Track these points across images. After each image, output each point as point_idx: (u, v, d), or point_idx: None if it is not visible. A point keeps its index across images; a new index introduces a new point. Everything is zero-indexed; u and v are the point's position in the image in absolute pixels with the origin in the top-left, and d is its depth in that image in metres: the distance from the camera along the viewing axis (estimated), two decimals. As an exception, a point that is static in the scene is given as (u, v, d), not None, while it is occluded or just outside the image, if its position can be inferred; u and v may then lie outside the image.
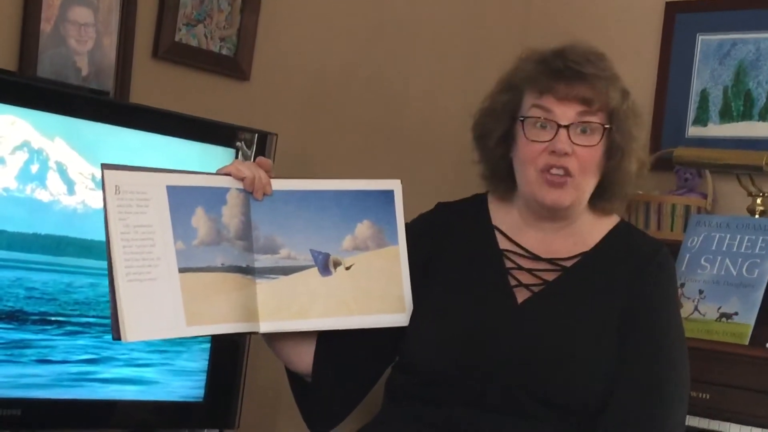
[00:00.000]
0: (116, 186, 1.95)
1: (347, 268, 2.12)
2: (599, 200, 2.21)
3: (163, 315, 1.96)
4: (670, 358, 2.12)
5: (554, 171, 2.12)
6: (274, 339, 2.17)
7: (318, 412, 2.22)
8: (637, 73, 3.42)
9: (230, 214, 2.06)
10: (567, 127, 2.11)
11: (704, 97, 3.37)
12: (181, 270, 1.99)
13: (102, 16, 2.81)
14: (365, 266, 2.14)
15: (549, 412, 2.05)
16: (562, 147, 2.10)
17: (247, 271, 2.06)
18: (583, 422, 2.07)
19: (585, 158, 2.12)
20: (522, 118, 2.15)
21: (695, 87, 3.39)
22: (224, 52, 3.09)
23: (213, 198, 2.04)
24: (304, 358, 2.19)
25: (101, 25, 2.81)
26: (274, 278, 2.08)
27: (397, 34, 3.53)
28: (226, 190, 2.06)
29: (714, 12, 3.37)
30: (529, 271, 2.18)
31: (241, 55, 3.12)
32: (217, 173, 2.09)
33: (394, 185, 2.20)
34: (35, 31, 2.69)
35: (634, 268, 2.17)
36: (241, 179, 2.08)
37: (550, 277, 2.17)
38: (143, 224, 1.97)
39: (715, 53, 3.36)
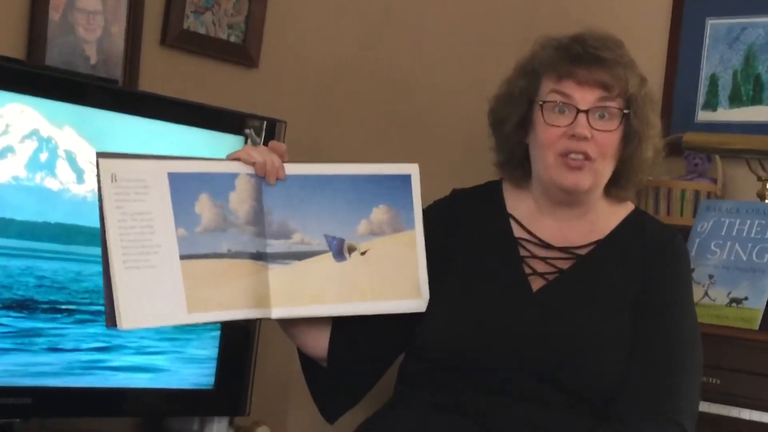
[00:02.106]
0: (113, 174, 1.93)
1: (362, 254, 2.10)
2: (614, 187, 2.22)
3: (163, 302, 1.94)
4: (683, 338, 2.14)
5: (573, 156, 2.12)
6: (289, 324, 2.17)
7: (331, 397, 2.23)
8: (646, 57, 3.40)
9: (239, 200, 2.03)
10: (586, 111, 2.12)
11: (713, 81, 3.36)
12: (183, 257, 1.97)
13: (110, 4, 2.81)
14: (381, 251, 2.11)
15: (564, 397, 2.07)
16: (582, 131, 2.11)
17: (259, 256, 2.04)
18: (598, 406, 2.08)
19: (603, 143, 2.13)
20: (541, 103, 2.15)
21: (704, 71, 3.38)
22: (232, 39, 3.09)
23: (220, 184, 2.02)
24: (319, 343, 2.19)
25: (109, 13, 2.81)
26: (287, 263, 2.05)
27: (406, 21, 3.52)
28: (235, 175, 2.04)
29: (723, -4, 3.36)
30: (543, 259, 2.19)
31: (250, 42, 3.12)
32: (227, 158, 2.07)
33: (412, 169, 2.16)
34: (44, 19, 2.69)
35: (648, 255, 2.18)
36: (252, 164, 2.06)
37: (564, 265, 2.18)
38: (142, 212, 1.94)
39: (725, 37, 3.35)
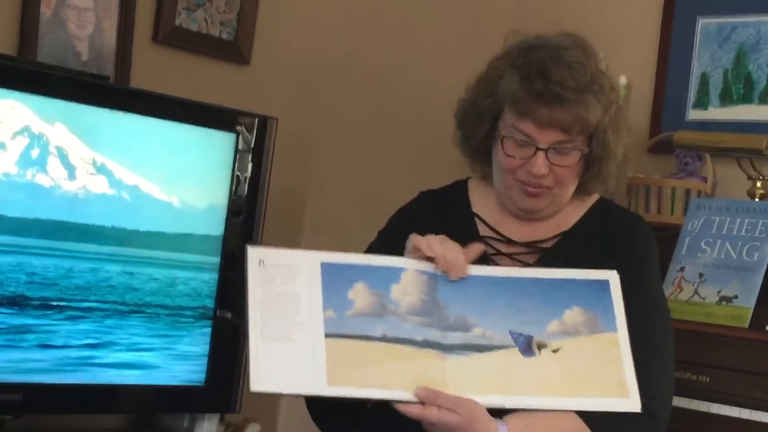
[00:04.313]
0: (261, 260, 2.00)
1: (554, 351, 2.06)
2: (578, 191, 2.26)
3: (300, 373, 1.96)
4: (653, 321, 2.17)
5: (530, 189, 2.17)
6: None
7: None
8: (637, 56, 3.41)
9: (404, 291, 2.05)
10: (545, 150, 2.14)
11: (704, 80, 3.36)
12: (329, 335, 1.99)
13: (101, 1, 2.81)
14: (576, 350, 2.08)
15: None
16: (538, 170, 2.14)
17: (427, 344, 2.03)
18: None
19: (562, 175, 2.17)
20: (501, 138, 2.17)
21: (695, 70, 3.38)
22: (224, 36, 3.09)
23: (381, 276, 2.06)
24: None
25: (101, 10, 2.81)
26: (466, 354, 2.04)
27: (397, 20, 3.52)
28: (401, 269, 2.07)
29: (714, -5, 3.37)
30: (509, 255, 2.23)
31: (242, 39, 3.11)
32: (409, 246, 2.09)
33: (610, 276, 2.14)
34: (35, 15, 2.69)
35: (613, 240, 2.22)
36: (430, 257, 2.07)
37: (530, 260, 2.23)
38: (287, 292, 2.00)
39: (716, 36, 3.35)
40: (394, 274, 2.07)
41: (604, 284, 2.13)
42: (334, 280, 2.03)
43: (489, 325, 2.07)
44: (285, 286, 2.00)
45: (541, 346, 2.07)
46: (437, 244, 2.08)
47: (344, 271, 2.05)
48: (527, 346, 2.06)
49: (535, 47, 2.17)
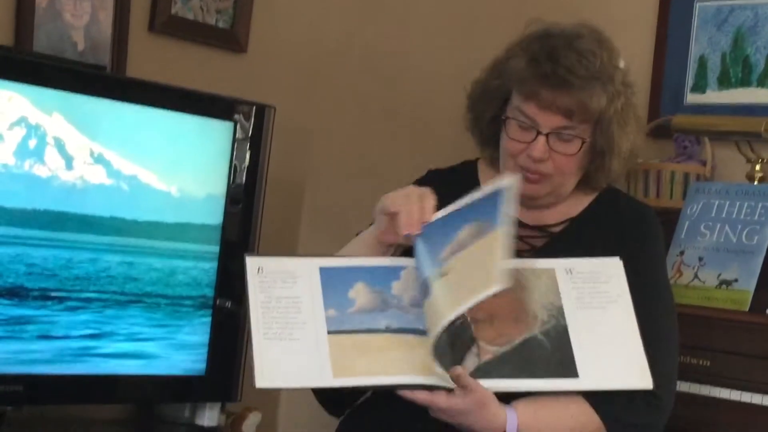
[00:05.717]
0: (259, 267, 2.03)
1: (443, 276, 2.01)
2: (583, 185, 2.26)
3: (304, 367, 1.98)
4: (659, 311, 2.17)
5: (530, 175, 2.16)
6: None
7: (341, 406, 2.23)
8: (634, 40, 3.40)
9: (405, 288, 2.06)
10: (546, 134, 2.14)
11: (702, 63, 3.36)
12: (331, 332, 2.00)
13: (97, -10, 2.80)
14: (462, 264, 2.02)
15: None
16: (538, 154, 2.14)
17: (425, 332, 2.02)
18: None
19: (562, 163, 2.17)
20: (504, 118, 2.18)
21: (693, 54, 3.37)
22: (221, 24, 3.08)
23: (380, 274, 2.07)
24: None
25: (97, -1, 2.80)
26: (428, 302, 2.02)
27: (395, 6, 3.52)
28: (401, 268, 2.08)
29: (712, -22, 3.36)
30: (519, 238, 2.21)
31: (238, 27, 3.11)
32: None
33: (506, 184, 2.03)
34: (31, 5, 2.68)
35: (620, 229, 2.23)
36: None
37: (538, 243, 2.23)
38: (288, 296, 2.02)
39: (713, 19, 3.34)
40: (394, 272, 2.07)
41: (500, 192, 2.04)
42: (334, 282, 2.05)
43: (423, 272, 2.04)
44: (285, 290, 2.02)
45: (434, 280, 2.01)
46: (401, 200, 2.08)
47: (343, 274, 2.06)
48: (425, 290, 2.02)
49: (551, 35, 2.18)
